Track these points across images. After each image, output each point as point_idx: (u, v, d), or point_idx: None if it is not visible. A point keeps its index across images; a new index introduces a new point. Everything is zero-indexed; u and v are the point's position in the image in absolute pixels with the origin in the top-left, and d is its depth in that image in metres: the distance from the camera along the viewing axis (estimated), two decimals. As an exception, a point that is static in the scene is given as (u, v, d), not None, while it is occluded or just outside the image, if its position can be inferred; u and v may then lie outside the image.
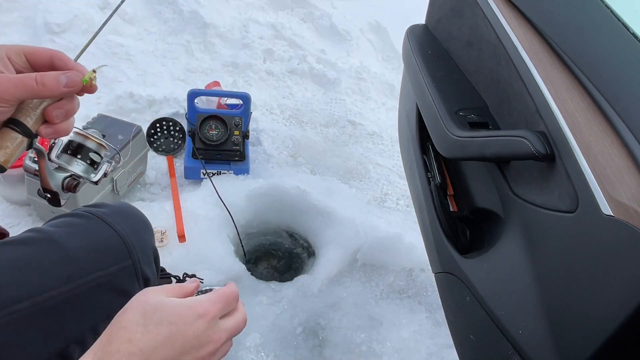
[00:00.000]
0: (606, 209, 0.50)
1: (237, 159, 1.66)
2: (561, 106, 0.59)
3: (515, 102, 0.70)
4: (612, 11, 0.65)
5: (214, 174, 1.63)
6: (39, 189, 0.55)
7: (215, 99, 1.89)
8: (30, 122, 0.48)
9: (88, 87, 0.50)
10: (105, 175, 0.60)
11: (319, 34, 2.69)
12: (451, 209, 0.89)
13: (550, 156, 0.59)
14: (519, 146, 0.61)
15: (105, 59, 2.11)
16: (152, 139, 1.78)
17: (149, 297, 0.46)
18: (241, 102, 1.77)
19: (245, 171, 1.67)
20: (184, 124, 1.78)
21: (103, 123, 1.61)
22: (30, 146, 0.50)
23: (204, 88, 1.98)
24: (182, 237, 1.38)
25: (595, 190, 0.52)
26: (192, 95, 1.70)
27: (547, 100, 0.61)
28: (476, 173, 0.85)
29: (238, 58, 2.29)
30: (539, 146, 0.59)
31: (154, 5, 2.46)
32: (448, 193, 0.91)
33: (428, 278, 1.51)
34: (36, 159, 0.56)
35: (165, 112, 1.89)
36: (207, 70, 2.23)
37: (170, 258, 1.32)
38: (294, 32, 2.57)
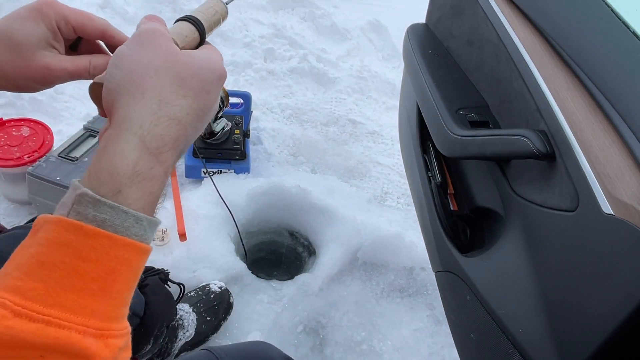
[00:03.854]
0: (607, 207, 0.50)
1: (237, 157, 1.66)
2: (562, 105, 0.59)
3: (516, 101, 0.70)
4: (612, 10, 0.65)
5: (214, 173, 1.63)
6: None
7: (216, 98, 1.89)
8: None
9: None
10: (223, 129, 0.55)
11: (320, 33, 2.69)
12: (452, 208, 0.89)
13: (551, 155, 0.59)
14: (520, 145, 0.61)
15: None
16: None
17: (176, 54, 0.40)
18: (242, 101, 1.77)
19: (245, 170, 1.67)
20: (185, 123, 1.78)
21: (104, 122, 1.61)
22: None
23: (204, 87, 1.98)
24: (182, 236, 1.38)
25: (596, 189, 0.52)
26: (193, 94, 1.69)
27: (548, 99, 0.61)
28: (476, 172, 0.85)
29: (239, 57, 2.29)
30: (539, 145, 0.59)
31: (155, 4, 2.46)
32: (448, 192, 0.91)
33: (428, 277, 1.51)
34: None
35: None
36: (207, 69, 2.23)
37: (171, 257, 1.33)
38: (294, 31, 2.57)
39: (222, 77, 0.42)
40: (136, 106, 0.36)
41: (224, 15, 0.51)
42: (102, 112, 0.42)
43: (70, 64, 0.47)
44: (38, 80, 0.47)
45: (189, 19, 0.47)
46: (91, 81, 0.44)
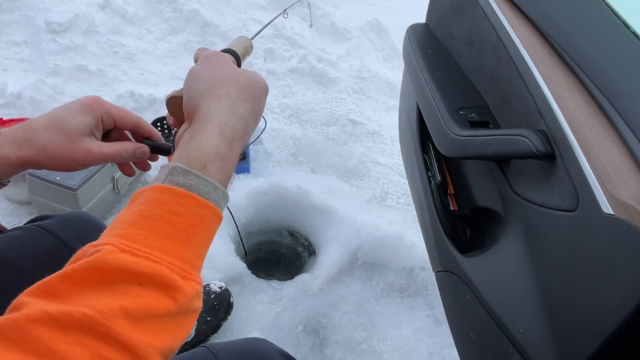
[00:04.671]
0: (606, 207, 0.50)
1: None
2: (561, 105, 0.59)
3: (516, 101, 0.70)
4: (612, 10, 0.65)
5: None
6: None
7: (216, 98, 1.89)
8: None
9: (152, 157, 0.64)
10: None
11: (320, 33, 2.69)
12: (452, 208, 0.89)
13: (551, 155, 0.59)
14: (520, 145, 0.61)
15: (106, 59, 2.12)
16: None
17: (236, 69, 0.52)
18: (242, 101, 1.77)
19: (245, 170, 1.67)
20: (185, 123, 1.78)
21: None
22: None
23: (204, 87, 1.98)
24: (183, 236, 1.38)
25: (596, 189, 0.52)
26: (193, 94, 1.70)
27: (548, 99, 0.61)
28: (477, 172, 0.85)
29: (238, 57, 2.29)
30: (539, 145, 0.59)
31: (155, 4, 2.46)
32: (448, 192, 0.91)
33: (428, 277, 1.51)
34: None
35: (166, 112, 1.89)
36: (207, 69, 2.23)
37: (171, 257, 1.33)
38: (294, 31, 2.57)
39: (267, 90, 0.54)
40: (215, 106, 0.48)
41: (251, 49, 0.67)
42: (174, 122, 0.57)
43: (107, 149, 0.58)
44: (80, 162, 0.56)
45: (229, 51, 0.62)
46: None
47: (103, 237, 0.40)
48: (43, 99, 1.80)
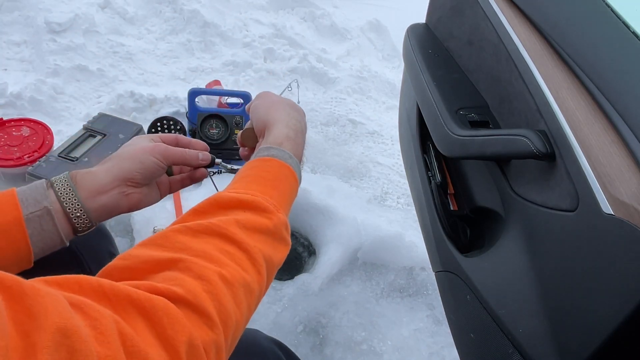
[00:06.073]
0: (607, 207, 0.50)
1: (237, 157, 1.66)
2: (562, 105, 0.59)
3: (516, 101, 0.70)
4: (612, 10, 0.65)
5: (214, 173, 1.63)
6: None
7: (216, 98, 1.89)
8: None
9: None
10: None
11: (320, 33, 2.69)
12: (451, 208, 0.89)
13: (551, 155, 0.59)
14: (520, 145, 0.61)
15: (106, 59, 2.12)
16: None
17: (281, 97, 0.71)
18: (242, 101, 1.77)
19: (246, 170, 1.67)
20: (185, 123, 1.79)
21: (104, 122, 1.61)
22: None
23: (204, 87, 1.99)
24: (183, 236, 1.38)
25: (596, 189, 0.52)
26: (193, 94, 1.70)
27: (548, 98, 0.61)
28: (477, 172, 0.85)
29: (239, 57, 2.29)
30: (539, 145, 0.59)
31: (155, 4, 2.46)
32: (448, 192, 0.91)
33: (428, 277, 1.51)
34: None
35: (166, 111, 1.89)
36: (207, 70, 2.23)
37: (171, 257, 1.33)
38: (294, 31, 2.57)
39: (304, 114, 0.72)
40: (278, 115, 0.67)
41: None
42: (244, 153, 0.75)
43: (177, 179, 0.75)
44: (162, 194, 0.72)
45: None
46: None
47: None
48: (43, 99, 1.80)
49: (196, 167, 0.74)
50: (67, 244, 0.59)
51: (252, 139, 0.71)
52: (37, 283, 0.31)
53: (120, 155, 0.64)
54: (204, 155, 0.73)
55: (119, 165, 0.62)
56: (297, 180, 0.62)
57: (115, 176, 0.61)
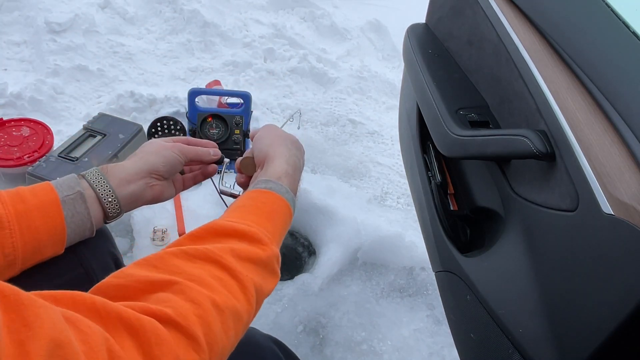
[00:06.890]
0: (607, 207, 0.50)
1: (237, 157, 1.66)
2: (562, 105, 0.59)
3: (516, 101, 0.70)
4: (612, 9, 0.65)
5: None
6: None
7: (216, 98, 1.89)
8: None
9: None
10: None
11: (320, 33, 2.69)
12: (451, 208, 0.90)
13: (551, 155, 0.59)
14: (520, 145, 0.61)
15: (106, 59, 2.12)
16: (153, 138, 1.78)
17: (284, 132, 0.75)
18: (242, 101, 1.77)
19: (246, 170, 1.67)
20: (185, 123, 1.79)
21: (104, 122, 1.61)
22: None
23: (204, 87, 1.99)
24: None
25: (596, 189, 0.52)
26: (193, 94, 1.70)
27: (548, 99, 0.61)
28: (476, 172, 0.85)
29: (239, 57, 2.29)
30: (539, 145, 0.59)
31: (155, 4, 2.46)
32: (448, 192, 0.91)
33: (428, 277, 1.51)
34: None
35: (166, 111, 1.89)
36: (207, 70, 2.23)
37: (171, 257, 1.33)
38: (294, 31, 2.57)
39: (304, 151, 0.76)
40: (279, 149, 0.69)
41: None
42: (240, 180, 0.77)
43: (190, 177, 0.82)
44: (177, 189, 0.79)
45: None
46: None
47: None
48: (43, 99, 1.80)
49: (208, 163, 0.80)
50: (94, 233, 0.64)
51: (251, 168, 0.73)
52: (33, 296, 0.33)
53: (144, 151, 0.70)
54: (215, 151, 0.79)
55: (145, 158, 0.69)
56: (292, 215, 0.65)
57: (142, 168, 0.67)
